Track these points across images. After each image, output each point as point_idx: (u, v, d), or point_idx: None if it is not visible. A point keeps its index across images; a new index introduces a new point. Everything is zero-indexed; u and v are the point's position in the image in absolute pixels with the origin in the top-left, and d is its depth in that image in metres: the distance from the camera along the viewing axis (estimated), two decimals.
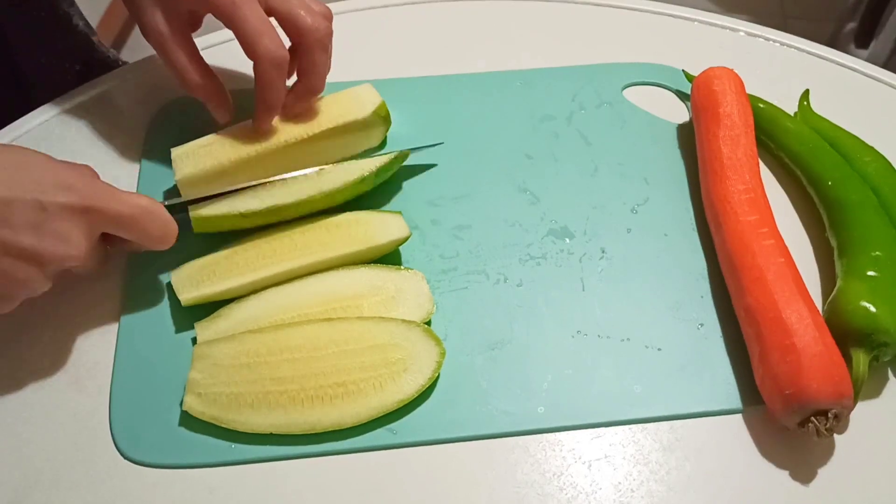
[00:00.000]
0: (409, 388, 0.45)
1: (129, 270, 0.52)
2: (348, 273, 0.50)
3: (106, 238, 0.47)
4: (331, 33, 0.53)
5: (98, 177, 0.47)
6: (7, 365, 0.48)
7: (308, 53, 0.53)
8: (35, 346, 0.49)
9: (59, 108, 0.61)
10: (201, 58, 0.54)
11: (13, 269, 0.42)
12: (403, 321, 0.47)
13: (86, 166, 0.47)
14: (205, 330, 0.48)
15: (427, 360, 0.46)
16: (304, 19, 0.52)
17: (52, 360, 0.48)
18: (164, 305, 0.50)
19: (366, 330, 0.46)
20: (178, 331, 0.49)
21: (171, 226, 0.47)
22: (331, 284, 0.49)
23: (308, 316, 0.48)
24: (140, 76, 0.64)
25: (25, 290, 0.44)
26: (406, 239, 0.51)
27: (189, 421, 0.45)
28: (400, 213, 0.52)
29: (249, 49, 0.51)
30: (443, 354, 0.46)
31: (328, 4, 0.56)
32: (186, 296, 0.48)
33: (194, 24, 0.55)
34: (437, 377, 0.46)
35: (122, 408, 0.46)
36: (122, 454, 0.44)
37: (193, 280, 0.49)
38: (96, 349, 0.48)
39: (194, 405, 0.45)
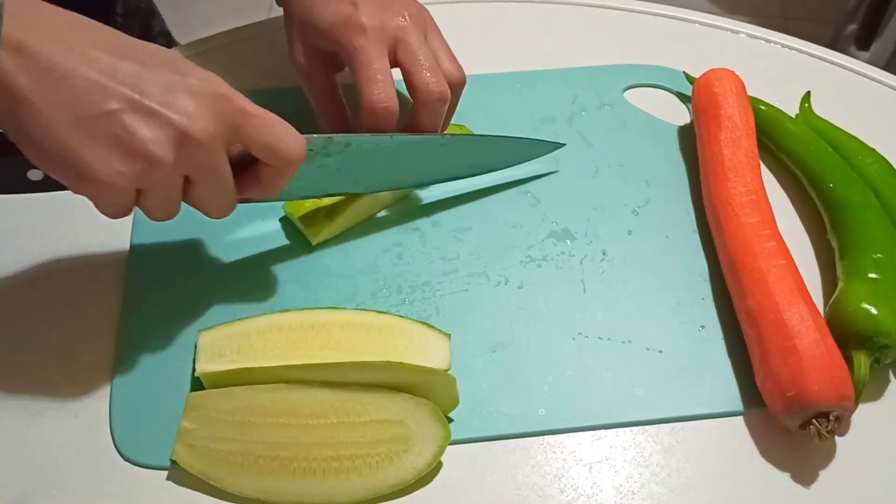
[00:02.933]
0: (406, 472, 0.42)
1: (129, 271, 0.52)
2: (376, 315, 0.47)
3: (239, 181, 0.45)
4: (446, 98, 0.52)
5: None
6: (7, 366, 0.48)
7: (416, 111, 0.52)
8: (35, 347, 0.48)
9: None
10: (338, 96, 0.56)
11: (137, 125, 0.39)
12: (411, 397, 0.44)
13: None
14: (207, 336, 0.46)
15: (430, 443, 0.43)
16: (421, 76, 0.51)
17: (52, 360, 0.48)
18: (166, 306, 0.50)
19: (369, 402, 0.44)
20: (179, 332, 0.49)
21: (302, 139, 0.45)
22: (352, 317, 0.47)
23: (317, 332, 0.46)
24: None
25: (148, 158, 0.40)
26: (445, 371, 0.46)
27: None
28: (448, 336, 0.47)
29: (359, 93, 0.50)
30: (447, 439, 0.43)
31: None
32: (205, 368, 0.45)
33: (337, 63, 0.55)
34: (440, 465, 0.44)
35: (123, 409, 0.46)
36: (122, 456, 0.44)
37: (217, 349, 0.46)
38: (97, 350, 0.48)
39: (184, 456, 0.43)
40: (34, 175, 0.44)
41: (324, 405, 0.43)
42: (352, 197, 0.54)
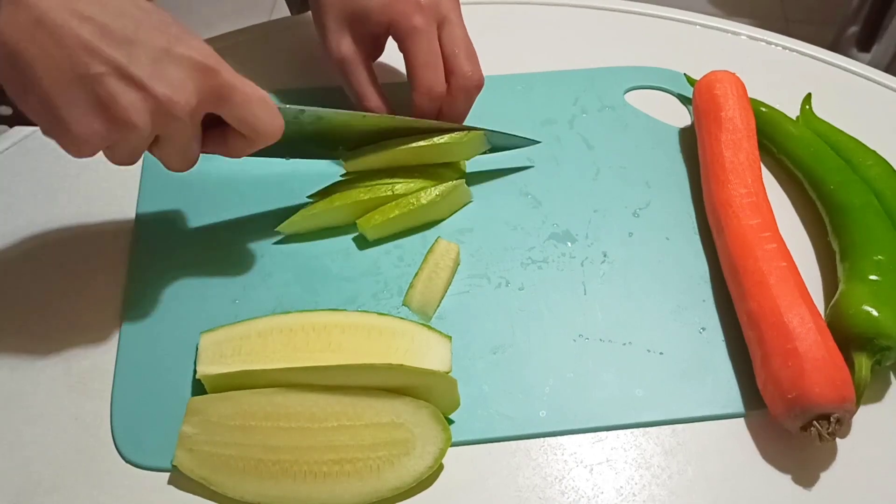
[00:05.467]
0: (407, 475, 0.42)
1: (130, 272, 0.52)
2: (378, 318, 0.47)
3: (206, 137, 0.46)
4: (481, 85, 0.55)
5: None
6: (8, 368, 0.48)
7: (451, 95, 0.54)
8: (36, 349, 0.48)
9: None
10: (379, 84, 0.56)
11: (120, 92, 0.40)
12: (412, 400, 0.44)
13: None
14: (207, 338, 0.46)
15: (431, 446, 0.43)
16: (462, 63, 0.54)
17: (53, 362, 0.48)
18: (166, 308, 0.50)
19: (369, 405, 0.43)
20: (180, 333, 0.49)
21: (280, 119, 0.46)
22: (355, 320, 0.47)
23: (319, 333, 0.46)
24: None
25: (124, 123, 0.41)
26: (446, 373, 0.45)
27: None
28: (449, 338, 0.47)
29: (411, 77, 0.53)
30: (448, 442, 0.43)
31: None
32: (206, 370, 0.45)
33: (377, 50, 0.57)
34: (441, 467, 0.44)
35: (124, 411, 0.46)
36: (123, 457, 0.44)
37: (218, 351, 0.46)
38: (98, 351, 0.48)
39: (185, 462, 0.43)
40: (4, 110, 0.45)
41: (324, 408, 0.43)
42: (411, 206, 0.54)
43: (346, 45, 0.55)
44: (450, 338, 0.47)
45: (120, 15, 0.41)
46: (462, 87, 0.54)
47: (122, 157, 0.44)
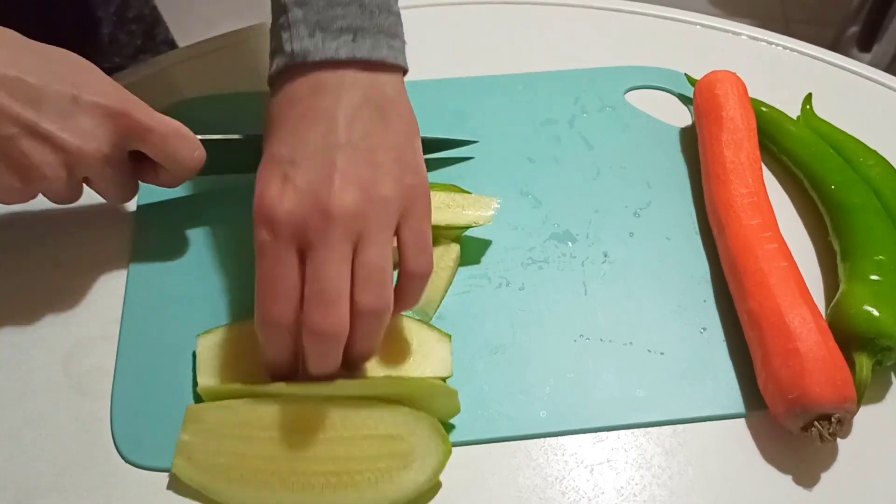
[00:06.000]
0: (406, 488, 0.41)
1: (130, 272, 0.52)
2: None
3: (136, 168, 0.48)
4: (329, 335, 0.40)
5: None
6: (9, 368, 0.48)
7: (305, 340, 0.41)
8: (37, 349, 0.48)
9: None
10: None
11: (31, 150, 0.42)
12: (411, 411, 0.43)
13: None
14: (205, 341, 0.46)
15: (431, 458, 0.42)
16: (312, 308, 0.39)
17: (53, 362, 0.48)
18: (166, 308, 0.50)
19: (368, 416, 0.43)
20: (179, 334, 0.49)
21: (200, 151, 0.47)
22: None
23: None
24: (153, 72, 0.64)
25: (41, 178, 0.43)
26: (445, 384, 0.45)
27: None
28: (449, 337, 0.46)
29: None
30: (448, 454, 0.42)
31: None
32: (206, 383, 0.45)
33: None
34: (440, 479, 0.43)
35: (124, 411, 0.46)
36: (123, 458, 0.44)
37: (217, 362, 0.45)
38: (98, 352, 0.48)
39: (183, 469, 0.42)
40: None
41: (323, 419, 0.43)
42: None
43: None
44: (449, 336, 0.47)
45: (29, 70, 0.42)
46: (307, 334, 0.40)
47: (57, 199, 0.46)
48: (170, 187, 0.50)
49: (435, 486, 0.43)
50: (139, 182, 0.50)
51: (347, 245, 0.40)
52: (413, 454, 0.42)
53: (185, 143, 0.47)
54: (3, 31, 0.43)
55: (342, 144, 0.41)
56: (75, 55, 0.45)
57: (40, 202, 0.43)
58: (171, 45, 0.83)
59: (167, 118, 0.46)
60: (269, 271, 0.41)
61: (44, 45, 0.44)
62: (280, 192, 0.41)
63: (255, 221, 0.41)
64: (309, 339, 0.40)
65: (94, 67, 0.45)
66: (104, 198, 0.49)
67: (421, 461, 0.42)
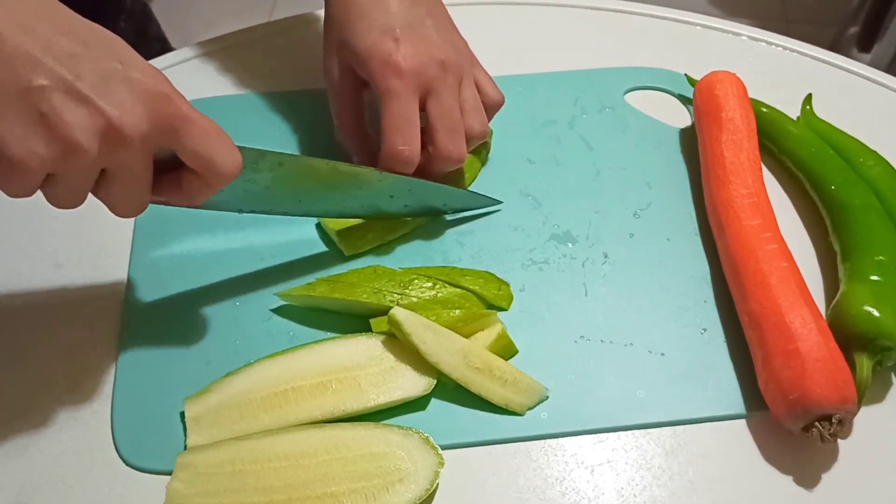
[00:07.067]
0: (403, 499, 0.42)
1: (131, 272, 0.52)
2: (345, 343, 0.47)
3: (157, 184, 0.42)
4: (459, 163, 0.52)
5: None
6: (9, 370, 0.48)
7: (428, 163, 0.52)
8: (37, 352, 0.48)
9: None
10: (362, 114, 0.55)
11: (64, 108, 0.36)
12: (400, 428, 0.44)
13: None
14: (194, 405, 0.45)
15: (424, 469, 0.42)
16: (441, 140, 0.51)
17: (53, 365, 0.48)
18: (166, 310, 0.50)
19: (359, 437, 0.43)
20: (179, 336, 0.49)
21: (238, 155, 0.42)
22: (326, 355, 0.46)
23: (301, 388, 0.45)
24: None
25: (71, 147, 0.37)
26: (426, 390, 0.46)
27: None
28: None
29: (383, 134, 0.50)
30: (441, 465, 0.43)
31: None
32: (197, 439, 0.44)
33: (368, 84, 0.53)
34: (435, 489, 0.43)
35: (124, 414, 0.46)
36: (123, 460, 0.44)
37: (208, 421, 0.45)
38: (98, 354, 0.48)
39: None
40: None
41: (314, 444, 0.43)
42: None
43: (336, 72, 0.54)
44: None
45: (68, 31, 0.37)
46: (437, 161, 0.52)
47: (63, 195, 0.40)
48: (187, 206, 0.44)
49: (430, 496, 0.43)
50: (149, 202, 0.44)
51: (457, 88, 0.52)
52: (406, 467, 0.42)
53: (224, 144, 0.42)
54: (49, 2, 0.39)
55: (424, 15, 0.53)
56: (120, 39, 0.40)
57: (41, 202, 0.43)
58: (163, 41, 0.82)
59: (210, 119, 0.41)
60: (398, 111, 0.50)
61: (88, 21, 0.39)
62: (397, 51, 0.50)
63: (381, 75, 0.50)
64: (442, 163, 0.52)
65: (137, 53, 0.41)
66: (112, 208, 0.42)
67: (416, 473, 0.42)
